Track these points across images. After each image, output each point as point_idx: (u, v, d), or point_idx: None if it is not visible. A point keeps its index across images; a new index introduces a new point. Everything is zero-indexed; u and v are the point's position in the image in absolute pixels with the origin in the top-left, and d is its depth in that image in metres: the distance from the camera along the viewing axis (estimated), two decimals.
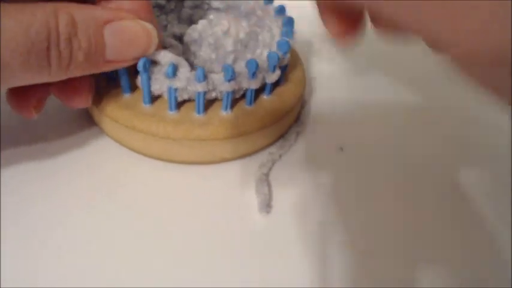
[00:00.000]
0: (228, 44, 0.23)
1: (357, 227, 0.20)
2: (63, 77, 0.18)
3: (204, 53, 0.23)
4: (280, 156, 0.23)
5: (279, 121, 0.22)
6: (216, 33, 0.23)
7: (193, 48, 0.23)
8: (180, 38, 0.24)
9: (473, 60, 0.13)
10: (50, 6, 0.17)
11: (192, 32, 0.23)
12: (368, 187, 0.22)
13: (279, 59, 0.21)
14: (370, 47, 0.25)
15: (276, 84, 0.23)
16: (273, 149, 0.23)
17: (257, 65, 0.20)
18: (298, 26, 0.23)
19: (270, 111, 0.22)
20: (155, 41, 0.19)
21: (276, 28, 0.23)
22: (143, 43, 0.19)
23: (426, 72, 0.28)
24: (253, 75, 0.20)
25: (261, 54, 0.23)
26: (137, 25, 0.19)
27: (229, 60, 0.23)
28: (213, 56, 0.23)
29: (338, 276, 0.18)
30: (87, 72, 0.18)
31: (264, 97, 0.22)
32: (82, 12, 0.17)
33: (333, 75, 0.29)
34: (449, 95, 0.27)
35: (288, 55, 0.22)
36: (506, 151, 0.24)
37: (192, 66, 0.21)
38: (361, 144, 0.24)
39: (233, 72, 0.20)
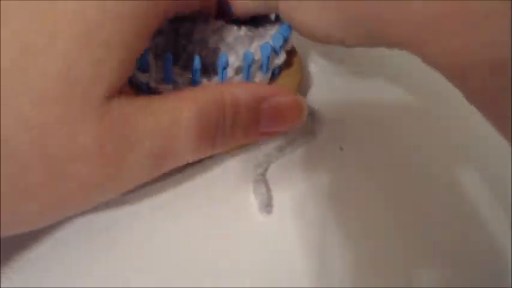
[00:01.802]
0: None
1: (357, 227, 0.20)
2: (216, 152, 0.19)
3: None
4: (277, 158, 0.23)
5: None
6: None
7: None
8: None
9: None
10: (216, 87, 0.18)
11: None
12: (368, 187, 0.22)
13: (284, 40, 0.21)
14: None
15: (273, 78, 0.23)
16: (269, 150, 0.23)
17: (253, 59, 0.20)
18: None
19: None
20: (305, 112, 0.20)
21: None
22: (295, 116, 0.19)
23: (427, 72, 0.28)
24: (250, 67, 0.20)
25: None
26: (290, 99, 0.19)
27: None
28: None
29: (338, 276, 0.18)
30: (239, 144, 0.19)
31: None
32: (243, 91, 0.18)
33: (333, 75, 0.29)
34: (449, 95, 0.27)
35: (290, 43, 0.22)
36: (506, 151, 0.24)
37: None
38: (361, 144, 0.24)
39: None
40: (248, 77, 0.21)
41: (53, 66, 0.14)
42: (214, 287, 0.18)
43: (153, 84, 0.19)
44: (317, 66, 0.29)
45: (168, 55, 0.19)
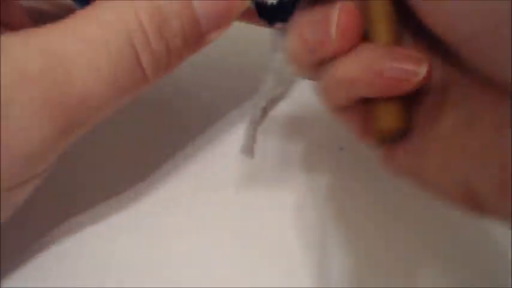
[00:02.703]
0: None
1: (357, 227, 0.20)
2: (164, 74, 0.16)
3: None
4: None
5: None
6: None
7: None
8: None
9: None
10: (125, 5, 0.15)
11: None
12: (368, 187, 0.22)
13: None
14: None
15: None
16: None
17: None
18: None
19: None
20: None
21: None
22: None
23: None
24: None
25: None
26: None
27: None
28: None
29: (338, 276, 0.18)
30: (188, 56, 0.16)
31: None
32: None
33: None
34: None
35: None
36: None
37: None
38: (361, 144, 0.24)
39: None
40: None
41: None
42: (213, 286, 0.18)
43: None
44: None
45: None
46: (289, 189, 0.21)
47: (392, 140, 0.16)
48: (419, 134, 0.16)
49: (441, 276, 0.19)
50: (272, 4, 0.17)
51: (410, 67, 0.15)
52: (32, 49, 0.13)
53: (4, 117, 0.13)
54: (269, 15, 0.17)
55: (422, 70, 0.14)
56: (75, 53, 0.13)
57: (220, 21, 0.16)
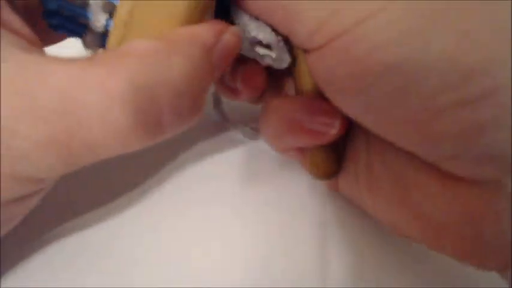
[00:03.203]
0: None
1: (357, 227, 0.20)
2: (181, 129, 0.15)
3: None
4: None
5: None
6: None
7: None
8: None
9: None
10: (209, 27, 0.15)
11: None
12: None
13: None
14: None
15: None
16: None
17: None
18: None
19: None
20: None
21: None
22: (236, 44, 0.17)
23: None
24: None
25: None
26: (231, 31, 0.16)
27: None
28: None
29: (338, 276, 0.18)
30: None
31: None
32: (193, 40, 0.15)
33: None
34: None
35: None
36: None
37: None
38: None
39: None
40: None
41: None
42: (213, 286, 0.18)
43: None
44: None
45: None
46: (289, 188, 0.21)
47: (326, 178, 0.19)
48: (351, 169, 0.18)
49: (441, 275, 0.19)
50: None
51: (327, 120, 0.16)
52: (47, 86, 0.13)
53: (8, 145, 0.13)
54: None
55: (337, 123, 0.16)
56: (91, 103, 0.13)
57: (226, 63, 0.16)
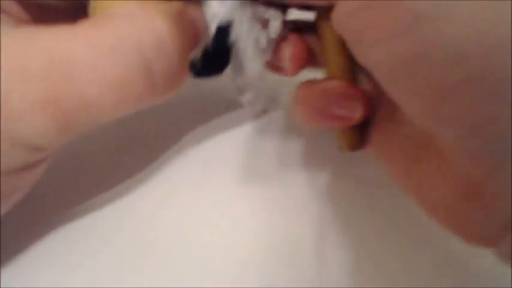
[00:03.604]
0: None
1: (355, 226, 0.20)
2: (177, 87, 0.15)
3: None
4: None
5: None
6: None
7: None
8: None
9: None
10: (143, 17, 0.14)
11: None
12: (367, 186, 0.22)
13: None
14: None
15: None
16: None
17: None
18: None
19: None
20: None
21: None
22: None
23: None
24: None
25: None
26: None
27: None
28: None
29: (338, 276, 0.18)
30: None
31: None
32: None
33: None
34: None
35: None
36: None
37: None
38: None
39: None
40: None
41: None
42: (210, 286, 0.18)
43: None
44: None
45: None
46: (288, 188, 0.21)
47: (352, 151, 0.19)
48: (375, 138, 0.18)
49: (441, 275, 0.19)
50: (196, 58, 0.18)
51: (352, 104, 0.17)
52: (35, 46, 0.13)
53: (4, 106, 0.13)
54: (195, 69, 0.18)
55: (361, 106, 0.17)
56: (80, 56, 0.13)
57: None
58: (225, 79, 0.20)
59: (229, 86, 0.21)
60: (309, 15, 0.18)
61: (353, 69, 0.18)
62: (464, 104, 0.13)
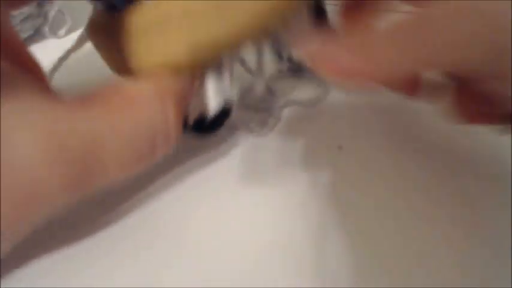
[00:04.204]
0: None
1: (356, 226, 0.20)
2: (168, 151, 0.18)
3: None
4: None
5: None
6: None
7: None
8: None
9: None
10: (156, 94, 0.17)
11: None
12: (368, 186, 0.22)
13: None
14: None
15: None
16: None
17: None
18: None
19: None
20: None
21: None
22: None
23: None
24: None
25: None
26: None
27: None
28: None
29: (338, 276, 0.18)
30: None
31: None
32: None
33: None
34: None
35: None
36: (506, 151, 0.24)
37: None
38: (360, 143, 0.24)
39: None
40: None
41: None
42: (210, 287, 0.18)
43: None
44: None
45: None
46: (288, 188, 0.21)
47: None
48: None
49: (441, 275, 0.19)
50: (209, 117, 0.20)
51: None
52: (73, 128, 0.15)
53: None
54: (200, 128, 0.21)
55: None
56: (105, 138, 0.15)
57: None
58: None
59: None
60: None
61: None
62: None
